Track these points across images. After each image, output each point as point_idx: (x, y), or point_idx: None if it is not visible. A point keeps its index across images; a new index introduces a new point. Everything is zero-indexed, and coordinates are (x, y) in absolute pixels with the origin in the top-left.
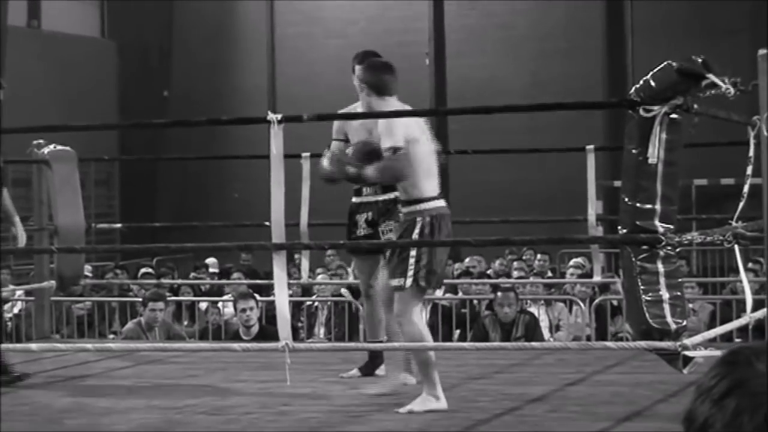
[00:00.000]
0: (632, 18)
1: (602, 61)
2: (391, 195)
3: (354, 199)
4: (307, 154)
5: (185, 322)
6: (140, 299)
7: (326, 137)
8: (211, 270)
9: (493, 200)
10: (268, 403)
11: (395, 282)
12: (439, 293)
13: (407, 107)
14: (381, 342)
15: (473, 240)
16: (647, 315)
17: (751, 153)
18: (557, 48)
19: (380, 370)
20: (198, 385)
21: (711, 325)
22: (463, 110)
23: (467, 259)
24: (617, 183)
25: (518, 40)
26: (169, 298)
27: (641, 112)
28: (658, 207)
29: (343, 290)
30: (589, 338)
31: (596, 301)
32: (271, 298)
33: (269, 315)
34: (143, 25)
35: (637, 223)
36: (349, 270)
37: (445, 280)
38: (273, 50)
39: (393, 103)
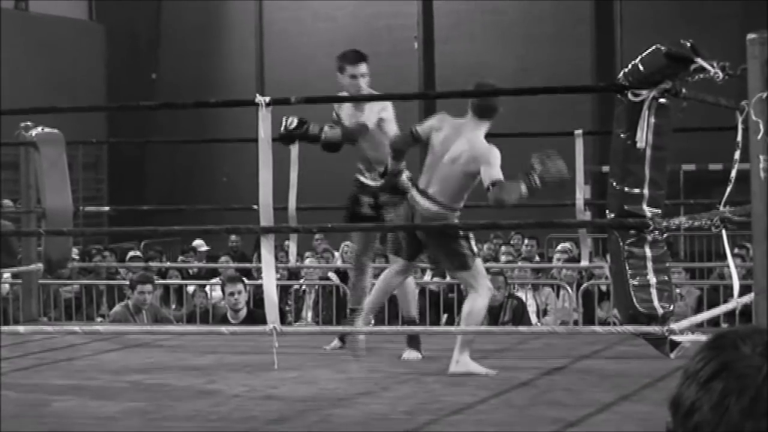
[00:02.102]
0: (621, 3)
1: (591, 46)
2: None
3: (361, 178)
4: None
5: (173, 306)
6: (128, 282)
7: (315, 120)
8: (201, 249)
9: (481, 184)
10: (255, 386)
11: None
12: (427, 278)
13: None
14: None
15: (461, 224)
16: (634, 300)
17: (739, 138)
18: (546, 33)
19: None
20: (186, 368)
21: (698, 310)
22: (451, 94)
23: None
24: (605, 168)
25: (507, 25)
26: (156, 282)
27: (630, 96)
28: (646, 191)
29: (331, 274)
30: (576, 323)
31: (584, 285)
32: (258, 281)
33: (257, 299)
34: (132, 8)
35: (625, 207)
36: (336, 254)
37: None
38: (261, 34)
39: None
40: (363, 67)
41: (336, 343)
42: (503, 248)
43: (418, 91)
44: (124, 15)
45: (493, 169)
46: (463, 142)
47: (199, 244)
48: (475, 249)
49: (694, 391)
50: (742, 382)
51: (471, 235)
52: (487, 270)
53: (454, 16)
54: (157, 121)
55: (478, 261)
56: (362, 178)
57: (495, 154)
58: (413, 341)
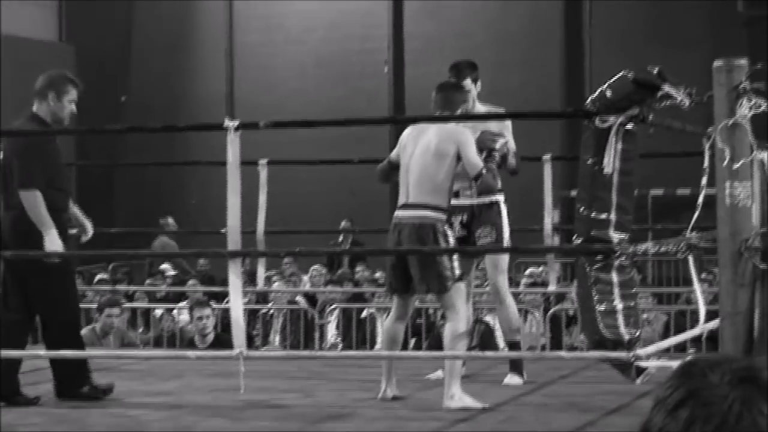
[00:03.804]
0: (590, 27)
1: (560, 70)
2: (486, 199)
3: (453, 201)
4: (265, 161)
5: (140, 329)
6: (95, 305)
7: (284, 144)
8: (168, 273)
9: None
10: (222, 410)
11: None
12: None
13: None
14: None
15: (428, 249)
16: (601, 325)
17: (706, 164)
18: (516, 57)
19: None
20: (152, 393)
21: (665, 336)
22: (420, 118)
23: None
24: (574, 192)
25: (476, 48)
26: (124, 305)
27: (597, 122)
28: (613, 217)
29: (299, 298)
30: (544, 348)
31: (551, 310)
32: (227, 305)
33: (225, 323)
34: (102, 30)
35: (593, 232)
36: (305, 278)
37: None
38: (232, 56)
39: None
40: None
41: (439, 373)
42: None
43: (388, 115)
44: (94, 36)
45: (470, 151)
46: (431, 133)
47: (166, 268)
48: (457, 272)
49: (661, 417)
50: (708, 410)
51: (455, 257)
52: None
53: (424, 39)
54: (126, 144)
55: (461, 285)
56: (455, 201)
57: (467, 132)
58: (515, 365)
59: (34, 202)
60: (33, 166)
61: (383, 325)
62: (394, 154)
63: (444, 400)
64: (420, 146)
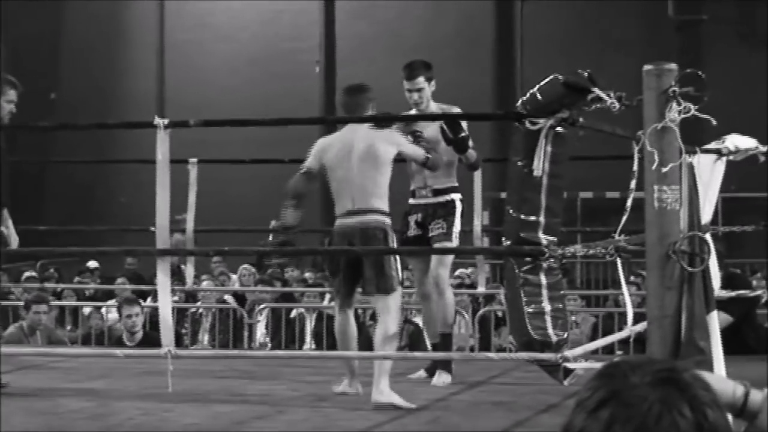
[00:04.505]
0: (522, 29)
1: (492, 72)
2: (441, 198)
3: (410, 201)
4: (195, 159)
5: (68, 327)
6: (22, 302)
7: (214, 142)
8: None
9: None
10: (150, 409)
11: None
12: (326, 302)
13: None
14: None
15: (359, 249)
16: (529, 326)
17: (635, 167)
18: (447, 57)
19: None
20: (80, 391)
21: (593, 337)
22: (350, 119)
23: None
24: (504, 194)
25: (408, 48)
26: (52, 302)
27: (527, 124)
28: (542, 219)
29: (228, 297)
30: (472, 349)
31: (480, 311)
32: (156, 303)
33: (154, 321)
34: (31, 27)
35: (521, 234)
36: (234, 276)
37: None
38: (163, 54)
39: None
40: (405, 84)
41: (421, 373)
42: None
43: (318, 115)
44: (24, 33)
45: (408, 147)
46: (361, 139)
47: (94, 266)
48: (401, 276)
49: (582, 418)
50: (628, 411)
51: (399, 260)
52: None
53: (356, 39)
54: (57, 140)
55: (400, 289)
56: (413, 200)
57: (397, 134)
58: (444, 363)
59: None
60: None
61: (342, 325)
62: (311, 164)
63: (372, 395)
64: (356, 153)
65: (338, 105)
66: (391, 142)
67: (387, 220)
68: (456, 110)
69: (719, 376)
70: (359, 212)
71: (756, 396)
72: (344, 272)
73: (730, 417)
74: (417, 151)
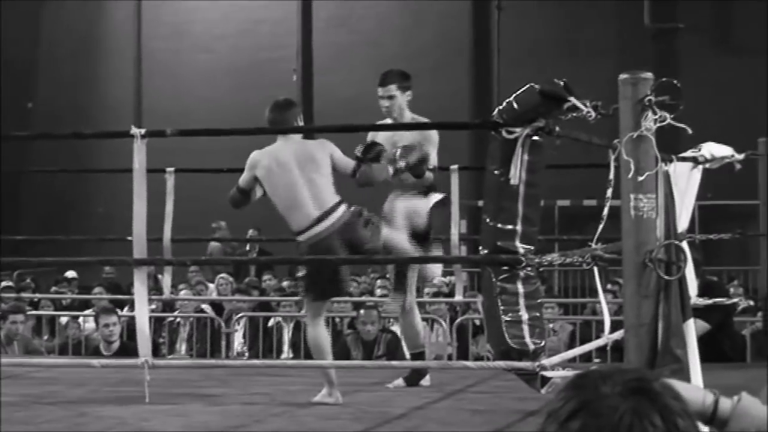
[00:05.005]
0: (499, 39)
1: (468, 81)
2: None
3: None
4: (172, 168)
5: (45, 337)
6: None
7: (191, 152)
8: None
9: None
10: (127, 418)
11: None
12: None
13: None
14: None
15: (336, 258)
16: (506, 335)
17: (612, 176)
18: (424, 67)
19: (425, 381)
20: (56, 401)
21: (571, 345)
22: (328, 128)
23: None
24: (481, 203)
25: (386, 58)
26: (29, 312)
27: (504, 133)
28: (518, 228)
29: (205, 306)
30: (450, 357)
31: (458, 320)
32: (133, 313)
33: (131, 330)
34: (8, 36)
35: (498, 243)
36: (211, 286)
37: None
38: (140, 64)
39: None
40: (378, 91)
41: (399, 381)
42: (379, 282)
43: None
44: (1, 42)
45: (341, 155)
46: (295, 150)
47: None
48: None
49: (554, 429)
50: (599, 421)
51: None
52: (363, 304)
53: (333, 48)
54: (34, 150)
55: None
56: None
57: (329, 142)
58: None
59: None
60: None
61: (317, 335)
62: (245, 179)
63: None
64: (297, 167)
65: (267, 122)
66: (324, 149)
67: (351, 206)
68: (424, 120)
69: (689, 384)
70: (326, 215)
71: (725, 404)
72: (330, 276)
73: (700, 425)
74: (348, 163)
